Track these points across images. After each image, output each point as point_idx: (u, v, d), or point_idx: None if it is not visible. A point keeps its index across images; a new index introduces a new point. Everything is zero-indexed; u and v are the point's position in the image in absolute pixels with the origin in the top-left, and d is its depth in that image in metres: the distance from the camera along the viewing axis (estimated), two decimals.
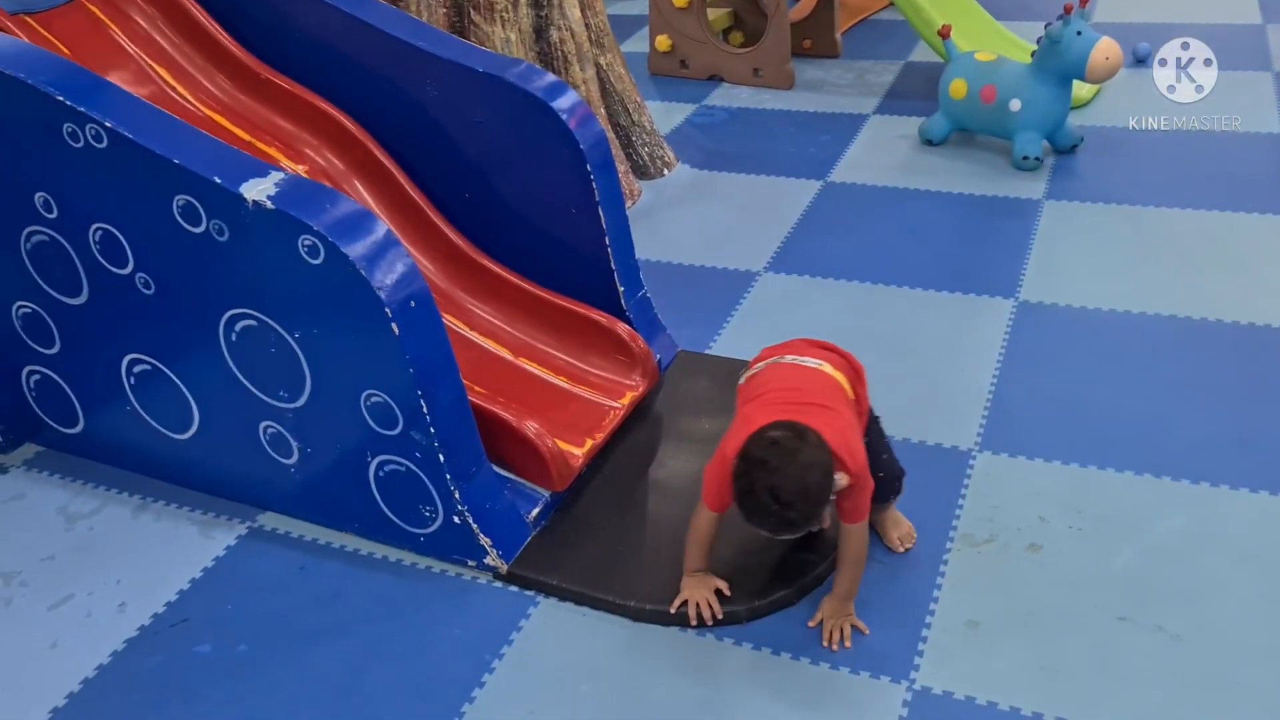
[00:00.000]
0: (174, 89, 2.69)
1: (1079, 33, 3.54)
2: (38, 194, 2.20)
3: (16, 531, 2.38)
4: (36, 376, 2.50)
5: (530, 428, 2.21)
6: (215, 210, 1.99)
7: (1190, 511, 2.22)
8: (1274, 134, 3.93)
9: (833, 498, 1.86)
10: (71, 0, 2.63)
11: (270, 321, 2.07)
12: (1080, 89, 4.12)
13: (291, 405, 2.15)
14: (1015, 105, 3.70)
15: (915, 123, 4.17)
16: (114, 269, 2.21)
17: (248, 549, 2.29)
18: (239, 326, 2.11)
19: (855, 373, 2.07)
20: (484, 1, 3.32)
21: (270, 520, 2.35)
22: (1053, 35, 3.56)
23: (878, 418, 2.14)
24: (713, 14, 4.87)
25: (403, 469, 2.11)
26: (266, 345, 2.10)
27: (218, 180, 1.96)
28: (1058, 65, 3.60)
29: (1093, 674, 1.88)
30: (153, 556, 2.28)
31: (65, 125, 2.06)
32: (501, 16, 3.35)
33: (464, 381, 2.08)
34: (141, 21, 2.73)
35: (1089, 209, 3.51)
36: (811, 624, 2.00)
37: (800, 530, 1.87)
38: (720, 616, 2.00)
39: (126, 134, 2.00)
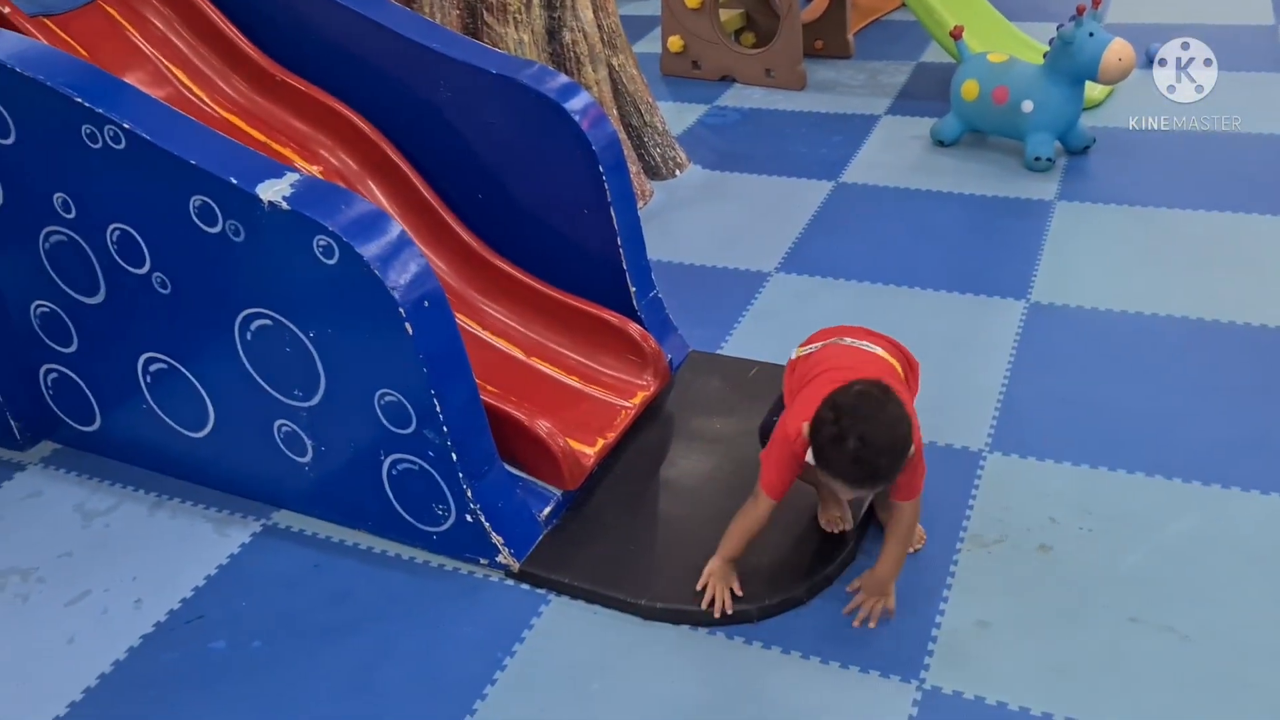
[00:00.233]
0: (190, 90, 2.71)
1: (1091, 34, 3.53)
2: (56, 194, 2.22)
3: (34, 528, 2.40)
4: (54, 375, 2.52)
5: (542, 427, 2.22)
6: (231, 211, 2.01)
7: (1201, 512, 2.22)
8: None
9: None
10: (90, 2, 2.65)
11: (285, 321, 2.08)
12: (1093, 90, 4.11)
13: (306, 404, 2.17)
14: (1027, 106, 3.70)
15: (927, 123, 4.17)
16: (131, 269, 2.23)
17: (262, 546, 2.31)
18: (254, 326, 2.13)
19: (909, 365, 2.10)
20: (497, 3, 3.33)
21: (284, 518, 2.37)
22: (1065, 36, 3.56)
23: None
24: (725, 15, 4.87)
25: (416, 468, 2.12)
26: (281, 344, 2.11)
27: (234, 181, 1.97)
28: (1070, 66, 3.60)
29: (1103, 674, 1.89)
30: (168, 554, 2.30)
31: (84, 126, 2.08)
32: (514, 18, 3.36)
33: (477, 381, 2.10)
34: (158, 23, 2.75)
35: (1101, 210, 3.50)
36: (850, 589, 2.03)
37: (880, 485, 1.87)
38: (731, 612, 2.01)
39: (144, 135, 2.02)
